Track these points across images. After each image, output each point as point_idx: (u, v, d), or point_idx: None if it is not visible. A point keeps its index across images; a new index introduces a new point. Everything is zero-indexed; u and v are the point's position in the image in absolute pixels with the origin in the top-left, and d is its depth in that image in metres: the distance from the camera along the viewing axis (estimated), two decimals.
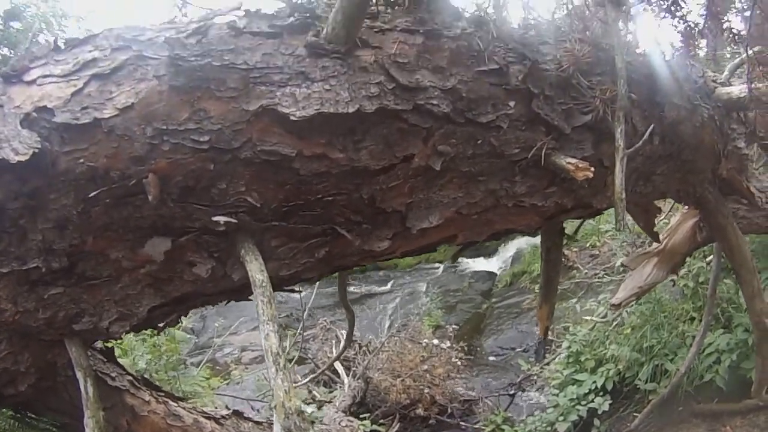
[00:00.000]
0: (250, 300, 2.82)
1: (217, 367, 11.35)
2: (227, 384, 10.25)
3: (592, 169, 2.84)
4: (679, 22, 3.67)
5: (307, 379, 8.91)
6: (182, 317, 3.07)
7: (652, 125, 3.30)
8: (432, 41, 2.69)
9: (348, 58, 2.49)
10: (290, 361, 9.39)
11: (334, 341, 11.24)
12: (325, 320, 12.02)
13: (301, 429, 2.07)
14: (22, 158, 2.13)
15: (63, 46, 2.44)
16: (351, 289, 17.10)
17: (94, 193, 2.26)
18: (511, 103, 2.84)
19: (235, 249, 2.50)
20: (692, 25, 3.72)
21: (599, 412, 7.68)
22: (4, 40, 13.16)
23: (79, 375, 2.64)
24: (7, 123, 2.20)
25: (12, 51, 13.04)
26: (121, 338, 3.04)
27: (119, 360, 3.45)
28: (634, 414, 7.47)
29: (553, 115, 2.96)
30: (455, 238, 3.18)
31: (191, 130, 2.28)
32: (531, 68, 2.88)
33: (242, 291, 2.71)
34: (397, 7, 2.85)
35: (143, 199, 2.29)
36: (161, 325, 3.00)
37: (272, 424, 4.09)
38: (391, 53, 2.58)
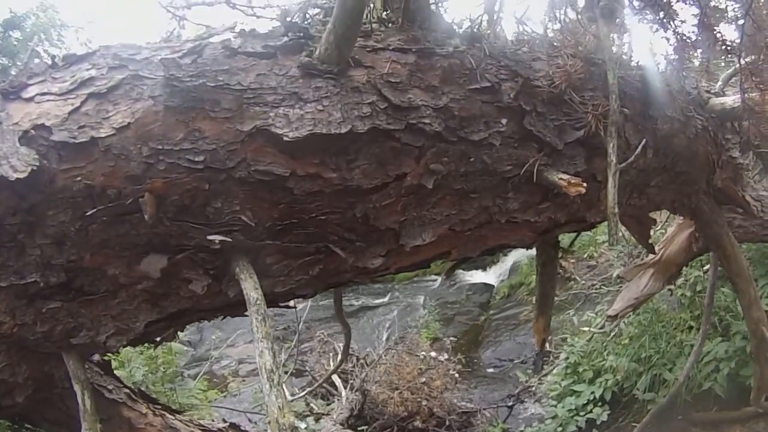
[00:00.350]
0: (247, 315, 2.85)
1: (215, 380, 11.29)
2: (224, 396, 10.24)
3: (585, 184, 2.86)
4: (672, 35, 3.68)
5: (305, 392, 8.88)
6: (179, 331, 3.08)
7: (644, 139, 3.33)
8: (424, 60, 2.73)
9: (341, 78, 2.53)
10: (287, 373, 9.38)
11: (331, 354, 11.16)
12: (322, 333, 11.91)
13: None
14: (21, 175, 2.15)
15: (60, 63, 2.48)
16: (348, 301, 17.05)
17: (92, 211, 2.28)
18: (503, 121, 2.87)
19: (230, 266, 2.52)
20: (685, 37, 3.73)
21: (598, 423, 7.64)
22: (3, 49, 13.18)
23: (77, 388, 2.64)
24: (5, 140, 2.23)
25: (11, 61, 13.07)
26: (119, 352, 3.04)
27: (116, 372, 3.46)
28: (633, 424, 7.42)
29: (546, 132, 2.99)
30: (449, 254, 3.20)
31: (186, 150, 2.31)
32: (523, 85, 2.91)
33: (238, 307, 2.72)
34: (390, 25, 2.89)
35: (140, 217, 2.31)
36: (158, 339, 3.02)
37: None
38: (384, 73, 2.61)
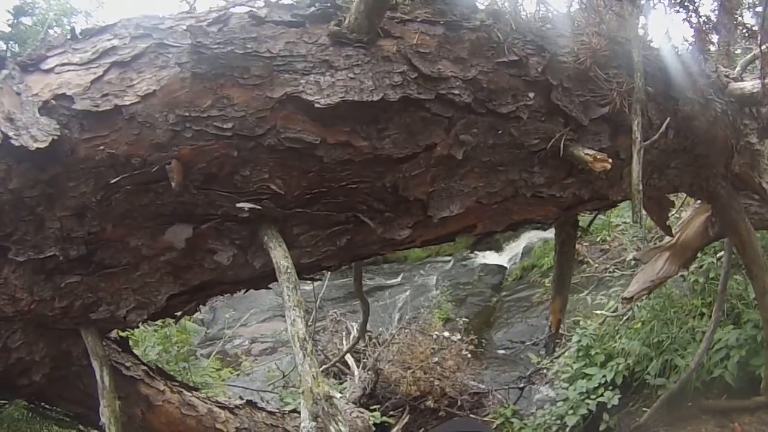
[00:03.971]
0: (267, 289, 2.83)
1: (227, 359, 11.31)
2: (237, 375, 10.26)
3: (610, 160, 2.85)
4: (692, 16, 3.66)
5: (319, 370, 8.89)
6: (201, 305, 3.06)
7: (668, 118, 3.33)
8: (452, 32, 2.70)
9: (371, 47, 2.50)
10: None
11: (344, 333, 11.24)
12: (335, 312, 12.00)
13: (328, 414, 2.05)
14: (41, 145, 2.11)
15: (80, 36, 2.45)
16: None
17: (116, 179, 2.26)
18: (531, 95, 2.85)
19: (257, 236, 2.50)
20: (705, 20, 3.71)
21: (608, 407, 7.65)
22: (14, 36, 13.22)
23: (95, 364, 2.62)
24: (25, 111, 2.19)
25: (22, 47, 13.08)
26: (138, 327, 3.02)
27: None
28: (644, 409, 7.45)
29: (572, 107, 2.97)
30: (474, 227, 3.19)
31: (214, 117, 2.28)
32: (550, 60, 2.89)
33: (263, 279, 2.72)
34: None
35: (165, 185, 2.29)
36: (179, 313, 3.00)
37: (285, 413, 4.10)
38: (413, 43, 2.59)
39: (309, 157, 2.44)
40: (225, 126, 2.29)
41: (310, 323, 9.58)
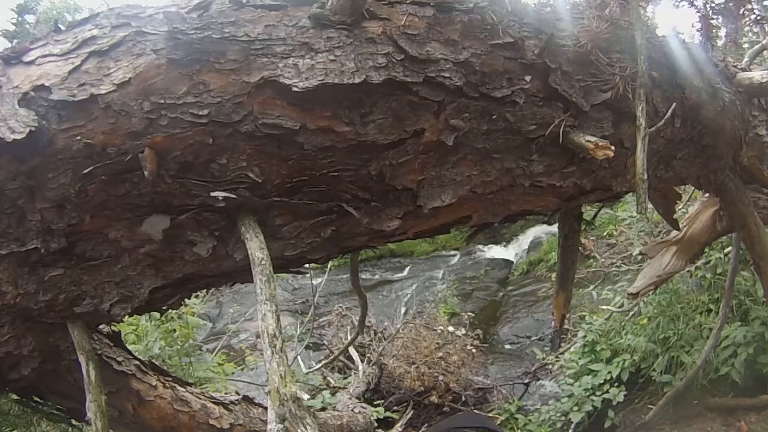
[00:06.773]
0: None
1: (232, 353, 11.37)
2: (242, 370, 10.27)
3: (613, 147, 2.74)
4: (700, 2, 3.58)
5: (320, 365, 8.95)
6: (186, 299, 3.05)
7: (673, 105, 3.24)
8: (443, 14, 2.61)
9: (354, 29, 2.43)
10: (306, 348, 9.37)
11: (349, 327, 11.31)
12: (340, 307, 12.08)
13: (296, 417, 1.99)
14: (19, 137, 2.10)
15: (64, 28, 2.43)
16: (366, 276, 17.35)
17: (90, 168, 2.22)
18: (527, 78, 2.75)
19: (236, 227, 2.45)
20: (712, 6, 3.63)
21: (614, 403, 7.63)
22: (18, 34, 13.35)
23: (81, 358, 2.60)
24: (4, 103, 2.18)
25: None
26: (123, 321, 2.99)
27: (132, 346, 3.43)
28: (649, 406, 7.45)
29: (571, 92, 2.87)
30: (470, 218, 3.09)
31: (190, 103, 2.23)
32: (547, 42, 2.78)
33: (246, 272, 2.63)
34: None
35: (140, 175, 2.24)
36: (164, 307, 2.95)
37: None
38: (400, 25, 2.50)
39: (288, 144, 2.37)
40: (201, 113, 2.23)
41: (309, 317, 9.58)
